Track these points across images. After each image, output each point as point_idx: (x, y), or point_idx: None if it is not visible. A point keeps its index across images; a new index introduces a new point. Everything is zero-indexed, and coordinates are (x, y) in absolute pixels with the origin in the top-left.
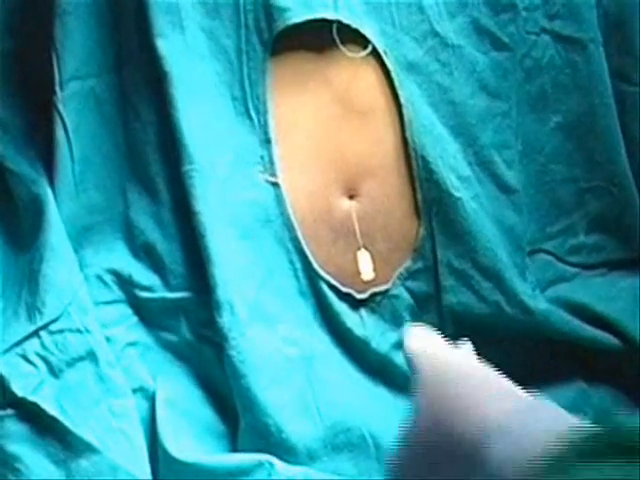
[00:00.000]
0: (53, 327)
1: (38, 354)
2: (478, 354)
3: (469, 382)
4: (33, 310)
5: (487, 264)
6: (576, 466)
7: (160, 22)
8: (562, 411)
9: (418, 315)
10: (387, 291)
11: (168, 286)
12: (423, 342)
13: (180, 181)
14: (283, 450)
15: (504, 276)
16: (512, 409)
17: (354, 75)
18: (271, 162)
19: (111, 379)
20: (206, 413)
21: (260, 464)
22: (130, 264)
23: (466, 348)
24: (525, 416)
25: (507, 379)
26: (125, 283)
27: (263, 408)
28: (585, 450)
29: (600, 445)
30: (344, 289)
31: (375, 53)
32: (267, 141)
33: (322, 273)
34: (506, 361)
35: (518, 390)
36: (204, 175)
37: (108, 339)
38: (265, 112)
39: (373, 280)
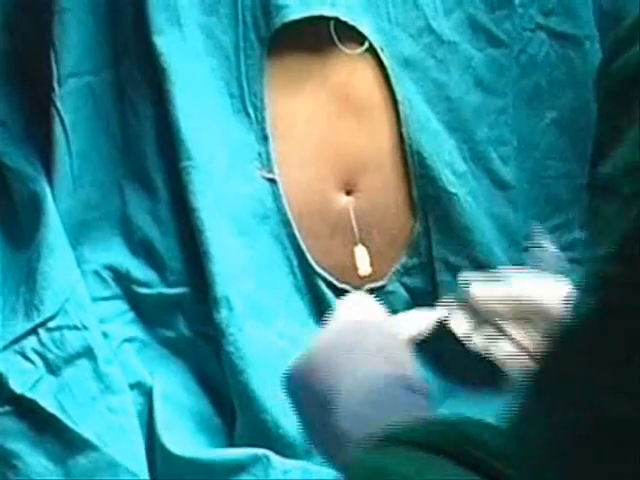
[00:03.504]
0: (51, 324)
1: (36, 351)
2: None
3: (363, 344)
4: (31, 307)
5: (483, 260)
6: (375, 449)
7: (158, 19)
8: (422, 403)
9: None
10: (383, 287)
11: (165, 282)
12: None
13: (178, 177)
14: (280, 445)
15: None
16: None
17: (351, 72)
18: (268, 158)
19: (108, 376)
20: (203, 408)
21: (257, 458)
22: (127, 260)
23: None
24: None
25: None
26: (122, 279)
27: (260, 403)
28: (393, 437)
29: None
30: (340, 285)
31: (372, 50)
32: (264, 137)
33: (318, 269)
34: None
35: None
36: (202, 171)
37: (105, 335)
38: (262, 109)
39: (369, 276)
